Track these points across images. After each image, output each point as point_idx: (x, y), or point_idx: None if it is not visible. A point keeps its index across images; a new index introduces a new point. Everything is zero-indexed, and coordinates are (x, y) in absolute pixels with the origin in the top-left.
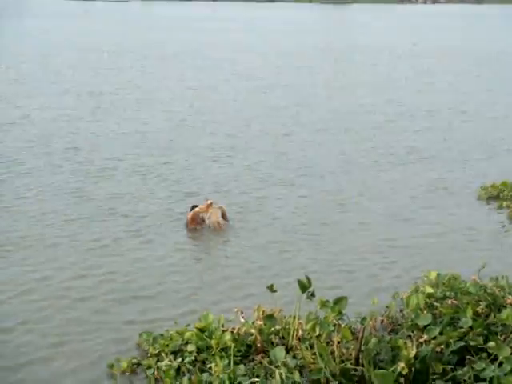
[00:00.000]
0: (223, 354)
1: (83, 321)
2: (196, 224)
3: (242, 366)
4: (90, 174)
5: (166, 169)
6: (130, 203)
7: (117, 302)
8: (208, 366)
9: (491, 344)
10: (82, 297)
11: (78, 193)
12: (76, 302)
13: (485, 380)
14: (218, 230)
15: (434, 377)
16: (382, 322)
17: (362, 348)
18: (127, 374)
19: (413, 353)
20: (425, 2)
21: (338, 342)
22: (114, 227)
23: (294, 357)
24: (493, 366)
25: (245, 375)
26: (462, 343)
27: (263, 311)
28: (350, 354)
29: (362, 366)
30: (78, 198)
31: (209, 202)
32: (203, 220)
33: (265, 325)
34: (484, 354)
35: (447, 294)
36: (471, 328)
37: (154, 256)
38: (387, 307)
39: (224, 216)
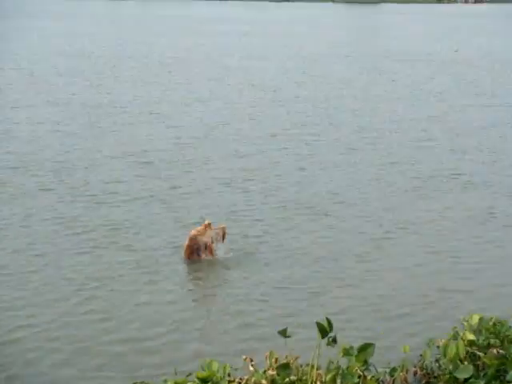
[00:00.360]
0: None
1: (76, 364)
2: (194, 254)
3: None
4: (85, 200)
5: (171, 193)
6: (129, 234)
7: (111, 344)
8: None
9: None
10: (77, 340)
11: (72, 221)
12: (67, 346)
13: None
14: (209, 256)
15: None
16: (415, 373)
17: None
18: None
19: None
20: (466, 2)
21: None
22: (112, 262)
23: None
24: None
25: None
26: None
27: (276, 359)
28: None
29: None
30: (70, 228)
31: (207, 222)
32: (209, 247)
33: (278, 375)
34: None
35: (492, 341)
36: None
37: (155, 295)
38: (421, 356)
39: (223, 237)
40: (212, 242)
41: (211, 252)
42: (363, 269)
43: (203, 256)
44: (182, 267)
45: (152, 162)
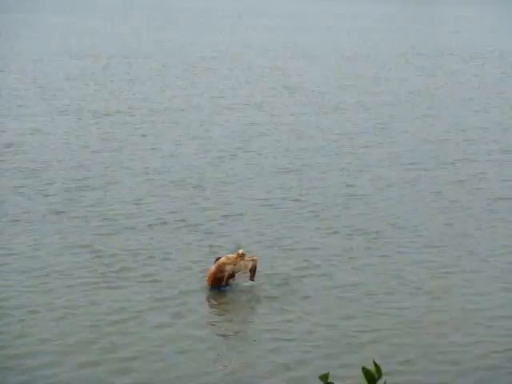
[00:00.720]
0: None
1: None
2: (219, 281)
3: None
4: (101, 224)
5: (198, 216)
6: (149, 263)
7: None
8: None
9: None
10: (97, 381)
11: (86, 249)
12: None
13: None
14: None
15: None
16: None
17: None
18: None
19: None
20: None
21: None
22: (130, 297)
23: None
24: None
25: None
26: None
27: None
28: None
29: None
30: (85, 256)
31: (240, 251)
32: (232, 276)
33: None
34: None
35: None
36: None
37: (180, 331)
38: None
39: (252, 272)
40: (234, 273)
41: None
42: (423, 307)
43: (228, 282)
44: (210, 299)
45: (178, 179)
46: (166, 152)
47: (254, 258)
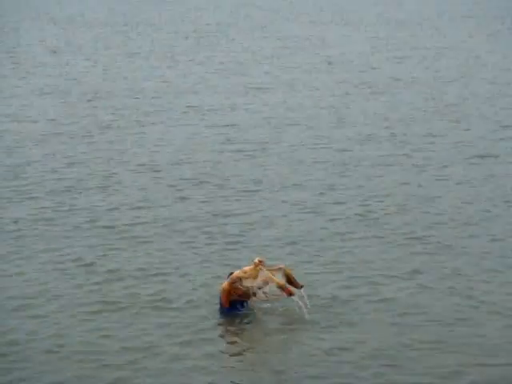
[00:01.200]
0: None
1: None
2: (236, 301)
3: None
4: (97, 234)
5: (221, 223)
6: (161, 279)
7: None
8: None
9: None
10: None
11: (80, 264)
12: None
13: None
14: (276, 298)
15: None
16: None
17: None
18: None
19: None
20: None
21: None
22: (137, 324)
23: None
24: None
25: None
26: None
27: None
28: None
29: None
30: (79, 274)
31: (257, 259)
32: (253, 293)
33: None
34: None
35: None
36: None
37: (195, 362)
38: None
39: (292, 282)
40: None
41: (288, 291)
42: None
43: (252, 300)
44: (231, 325)
45: (191, 178)
46: (175, 143)
47: (281, 266)
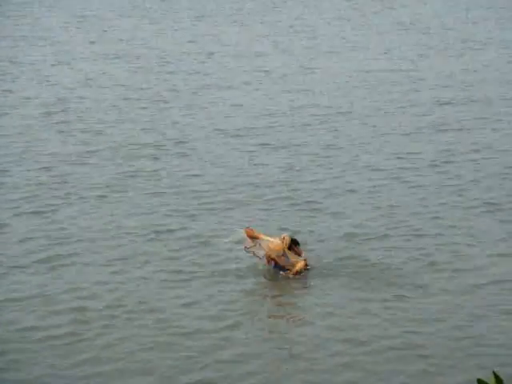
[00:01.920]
0: None
1: None
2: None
3: None
4: (186, 203)
5: (294, 189)
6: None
7: None
8: None
9: None
10: None
11: (173, 233)
12: None
13: None
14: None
15: None
16: None
17: None
18: None
19: None
20: None
21: None
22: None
23: None
24: None
25: None
26: None
27: None
28: None
29: None
30: (170, 242)
31: (283, 236)
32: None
33: None
34: None
35: None
36: None
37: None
38: None
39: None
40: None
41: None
42: None
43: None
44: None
45: (267, 143)
46: (248, 110)
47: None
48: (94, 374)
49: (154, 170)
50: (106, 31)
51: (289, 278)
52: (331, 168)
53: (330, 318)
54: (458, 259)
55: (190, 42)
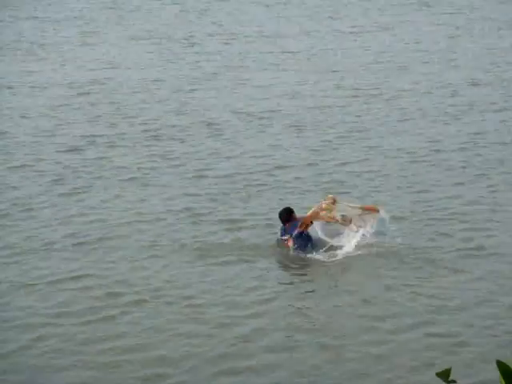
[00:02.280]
0: None
1: None
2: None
3: None
4: (217, 186)
5: (322, 170)
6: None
7: None
8: None
9: None
10: None
11: (198, 217)
12: None
13: None
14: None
15: None
16: None
17: None
18: None
19: None
20: None
21: None
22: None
23: None
24: None
25: None
26: None
27: None
28: None
29: None
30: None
31: (330, 196)
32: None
33: None
34: None
35: None
36: None
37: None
38: None
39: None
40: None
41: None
42: None
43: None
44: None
45: (296, 123)
46: (278, 90)
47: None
48: (123, 361)
49: (184, 153)
50: (132, 12)
51: (320, 261)
52: (359, 150)
53: (365, 307)
54: (500, 244)
55: (213, 23)
